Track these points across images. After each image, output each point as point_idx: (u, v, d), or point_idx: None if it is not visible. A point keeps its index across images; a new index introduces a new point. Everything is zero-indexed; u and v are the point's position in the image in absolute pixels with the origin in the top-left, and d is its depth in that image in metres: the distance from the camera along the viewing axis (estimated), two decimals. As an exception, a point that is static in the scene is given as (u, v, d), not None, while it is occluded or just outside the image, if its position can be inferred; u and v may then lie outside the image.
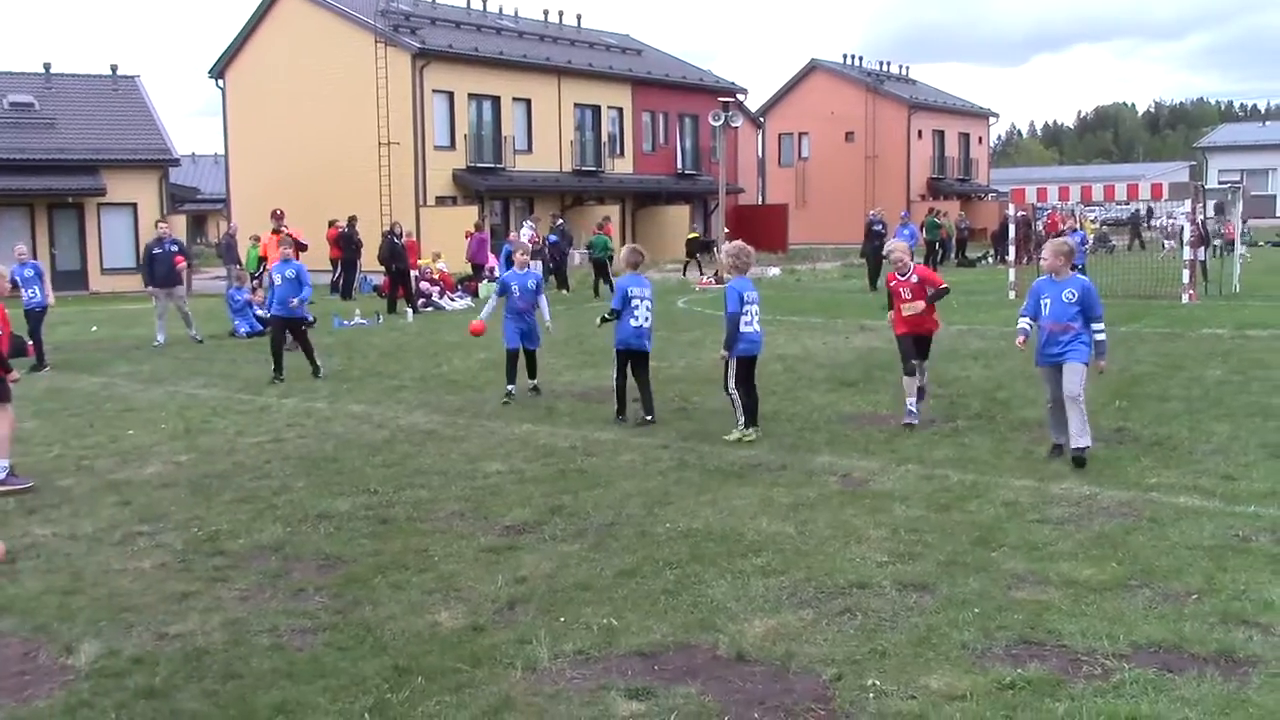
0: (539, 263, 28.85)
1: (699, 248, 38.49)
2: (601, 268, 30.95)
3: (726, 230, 36.98)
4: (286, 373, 15.15)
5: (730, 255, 10.89)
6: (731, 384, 10.56)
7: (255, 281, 24.62)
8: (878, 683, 5.07)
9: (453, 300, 28.72)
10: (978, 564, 6.70)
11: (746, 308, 10.55)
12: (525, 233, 32.06)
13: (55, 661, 5.61)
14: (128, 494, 9.04)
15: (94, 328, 23.01)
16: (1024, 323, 9.68)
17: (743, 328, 10.53)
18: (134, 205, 38.12)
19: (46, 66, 41.58)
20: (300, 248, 19.74)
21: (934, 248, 38.89)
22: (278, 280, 15.53)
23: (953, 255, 42.07)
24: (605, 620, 5.92)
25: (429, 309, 26.96)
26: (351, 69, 40.10)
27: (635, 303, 11.43)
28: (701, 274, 35.55)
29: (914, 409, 11.04)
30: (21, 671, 5.51)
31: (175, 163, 41.10)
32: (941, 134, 65.78)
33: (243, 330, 21.39)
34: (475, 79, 42.00)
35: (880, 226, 30.51)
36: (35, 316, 17.34)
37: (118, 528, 8.05)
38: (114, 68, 43.06)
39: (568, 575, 6.69)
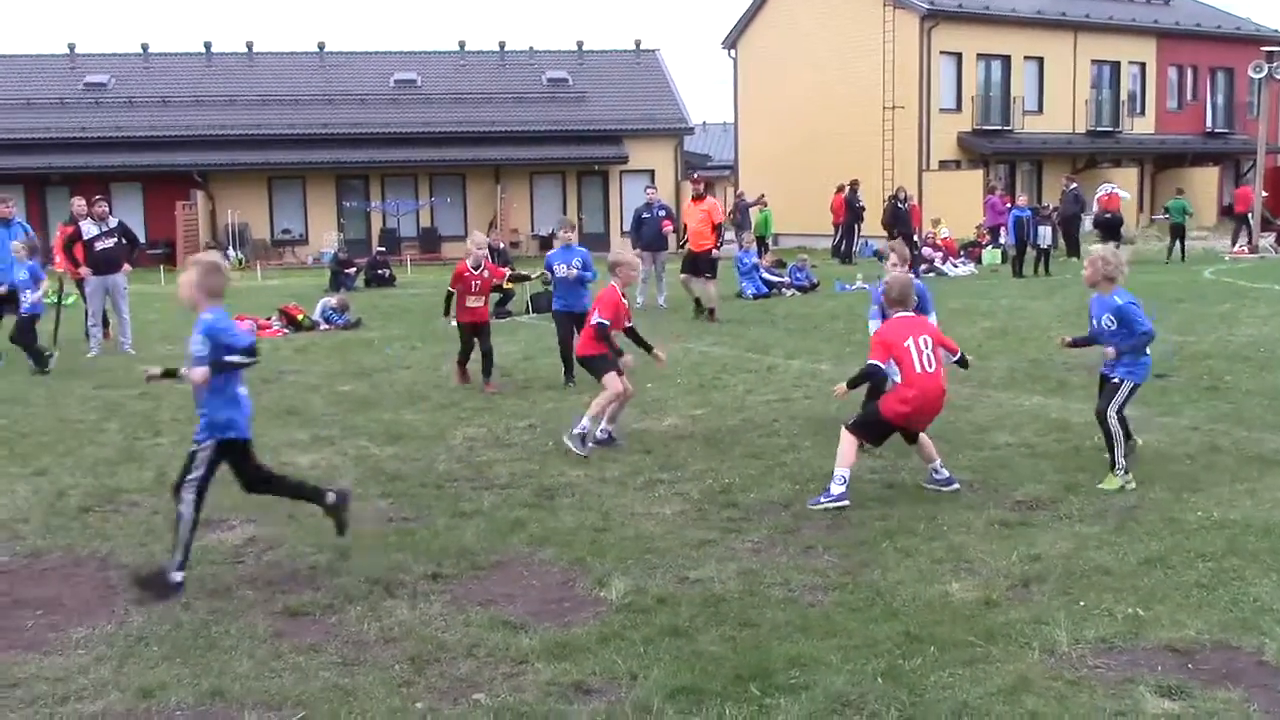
0: (1046, 228, 27.50)
1: None
2: (1179, 233, 28.98)
3: (1266, 194, 33.60)
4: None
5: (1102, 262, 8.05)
6: (1113, 412, 7.90)
7: (761, 246, 25.31)
8: None
9: (955, 266, 28.17)
10: None
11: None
12: (1108, 190, 30.17)
13: (589, 593, 6.08)
14: (648, 443, 9.63)
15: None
16: None
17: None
18: (651, 172, 40.54)
19: (579, 44, 45.31)
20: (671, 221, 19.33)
21: None
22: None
23: None
24: (1130, 609, 5.55)
25: (930, 274, 26.59)
26: (858, 34, 40.20)
27: None
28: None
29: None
30: (562, 599, 6.02)
31: (690, 131, 43.38)
32: None
33: (749, 292, 22.16)
34: (985, 38, 40.72)
35: None
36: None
37: (640, 474, 8.59)
38: (638, 42, 46.12)
39: (1086, 557, 6.34)
